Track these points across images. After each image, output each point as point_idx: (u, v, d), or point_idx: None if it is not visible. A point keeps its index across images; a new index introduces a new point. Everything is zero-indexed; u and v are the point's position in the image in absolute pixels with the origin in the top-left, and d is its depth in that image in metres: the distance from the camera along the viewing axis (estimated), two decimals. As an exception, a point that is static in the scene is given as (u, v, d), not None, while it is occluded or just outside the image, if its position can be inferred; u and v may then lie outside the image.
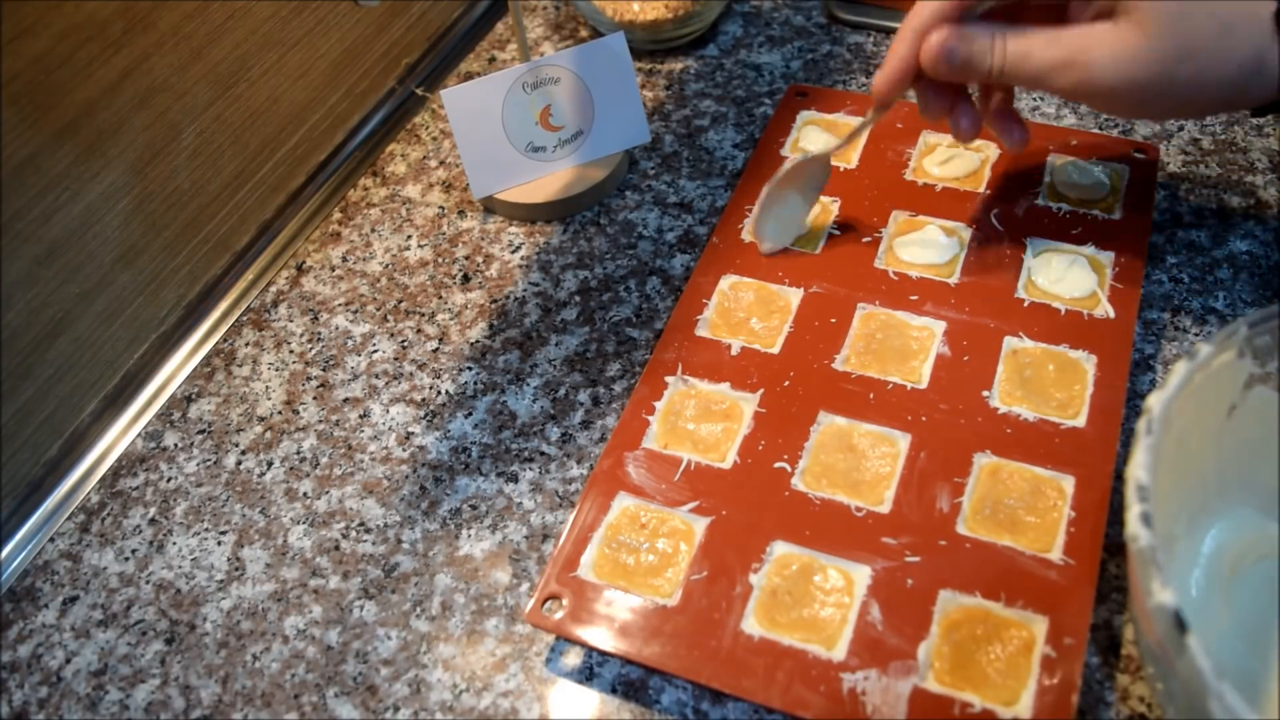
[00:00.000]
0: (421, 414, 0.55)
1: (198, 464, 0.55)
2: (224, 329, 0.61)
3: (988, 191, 0.59)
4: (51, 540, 0.52)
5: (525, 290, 0.60)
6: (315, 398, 0.57)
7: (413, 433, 0.54)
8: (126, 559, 0.51)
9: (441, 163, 0.69)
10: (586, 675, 0.45)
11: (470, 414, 0.55)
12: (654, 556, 0.46)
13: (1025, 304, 0.54)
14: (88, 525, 0.53)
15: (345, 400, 0.56)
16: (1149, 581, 0.35)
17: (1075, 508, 0.46)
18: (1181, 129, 0.64)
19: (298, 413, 0.56)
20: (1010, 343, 0.52)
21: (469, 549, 0.50)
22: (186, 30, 0.57)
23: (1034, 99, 0.67)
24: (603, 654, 0.45)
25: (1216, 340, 0.41)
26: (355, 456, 0.54)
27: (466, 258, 0.62)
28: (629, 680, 0.45)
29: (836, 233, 0.58)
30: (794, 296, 0.55)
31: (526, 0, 0.79)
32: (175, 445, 0.56)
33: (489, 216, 0.65)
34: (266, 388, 0.57)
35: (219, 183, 0.62)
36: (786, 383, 0.52)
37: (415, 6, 0.74)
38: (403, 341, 0.59)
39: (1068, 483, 0.47)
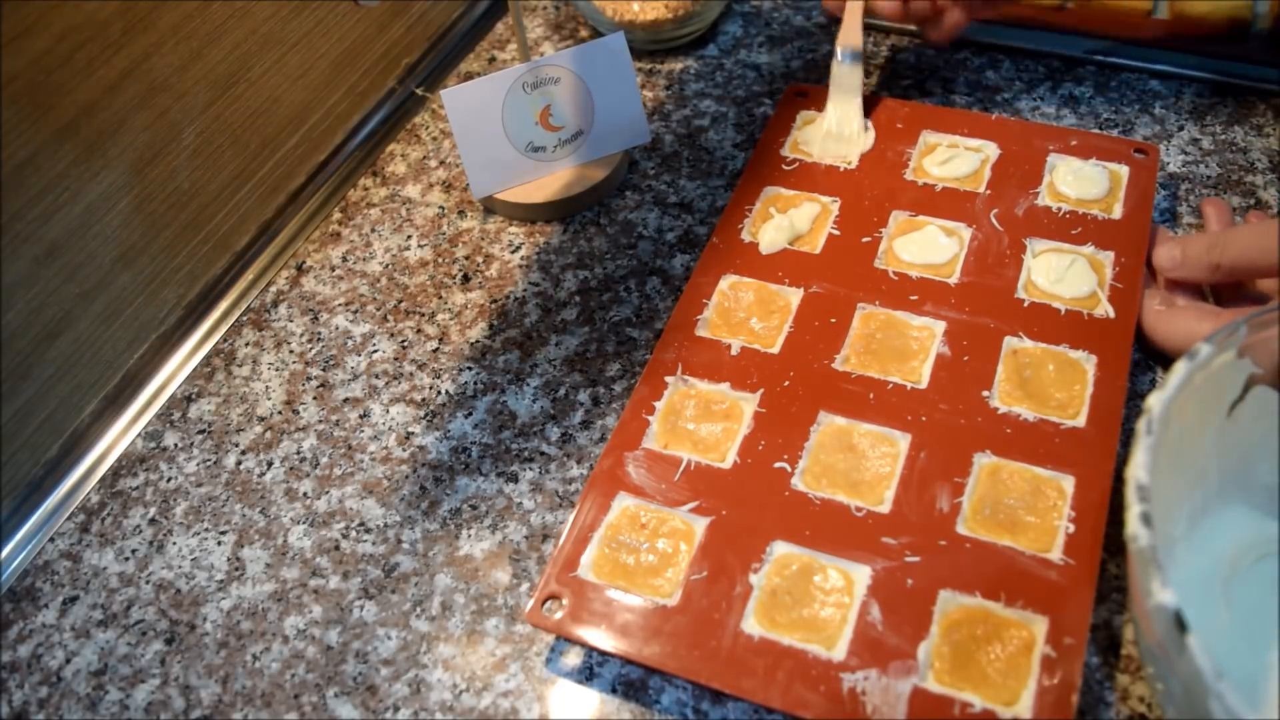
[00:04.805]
0: (421, 414, 0.55)
1: (198, 464, 0.54)
2: (224, 329, 0.61)
3: (988, 191, 0.59)
4: (51, 540, 0.52)
5: (525, 290, 0.60)
6: (315, 398, 0.57)
7: (413, 433, 0.54)
8: (126, 559, 0.51)
9: (441, 163, 0.69)
10: (586, 675, 0.45)
11: (470, 414, 0.55)
12: (654, 556, 0.46)
13: (1025, 304, 0.53)
14: (88, 525, 0.53)
15: (345, 400, 0.56)
16: (1149, 581, 0.35)
17: (1075, 508, 0.46)
18: (1182, 129, 0.64)
19: (298, 413, 0.56)
20: (1010, 343, 0.52)
21: (469, 549, 0.50)
22: (186, 30, 0.57)
23: (1034, 99, 0.67)
24: (603, 654, 0.45)
25: (1216, 340, 0.40)
26: (355, 456, 0.54)
27: (466, 258, 0.62)
28: (629, 680, 0.45)
29: (836, 233, 0.58)
30: (794, 296, 0.55)
31: (526, 0, 0.79)
32: (175, 445, 0.56)
33: (489, 216, 0.65)
34: (266, 388, 0.57)
35: (219, 183, 0.62)
36: (786, 383, 0.52)
37: (415, 6, 0.74)
38: (403, 341, 0.59)
39: (1068, 483, 0.47)
